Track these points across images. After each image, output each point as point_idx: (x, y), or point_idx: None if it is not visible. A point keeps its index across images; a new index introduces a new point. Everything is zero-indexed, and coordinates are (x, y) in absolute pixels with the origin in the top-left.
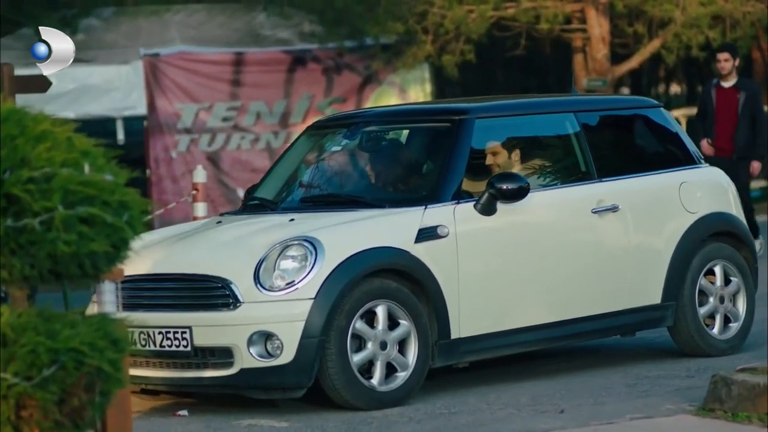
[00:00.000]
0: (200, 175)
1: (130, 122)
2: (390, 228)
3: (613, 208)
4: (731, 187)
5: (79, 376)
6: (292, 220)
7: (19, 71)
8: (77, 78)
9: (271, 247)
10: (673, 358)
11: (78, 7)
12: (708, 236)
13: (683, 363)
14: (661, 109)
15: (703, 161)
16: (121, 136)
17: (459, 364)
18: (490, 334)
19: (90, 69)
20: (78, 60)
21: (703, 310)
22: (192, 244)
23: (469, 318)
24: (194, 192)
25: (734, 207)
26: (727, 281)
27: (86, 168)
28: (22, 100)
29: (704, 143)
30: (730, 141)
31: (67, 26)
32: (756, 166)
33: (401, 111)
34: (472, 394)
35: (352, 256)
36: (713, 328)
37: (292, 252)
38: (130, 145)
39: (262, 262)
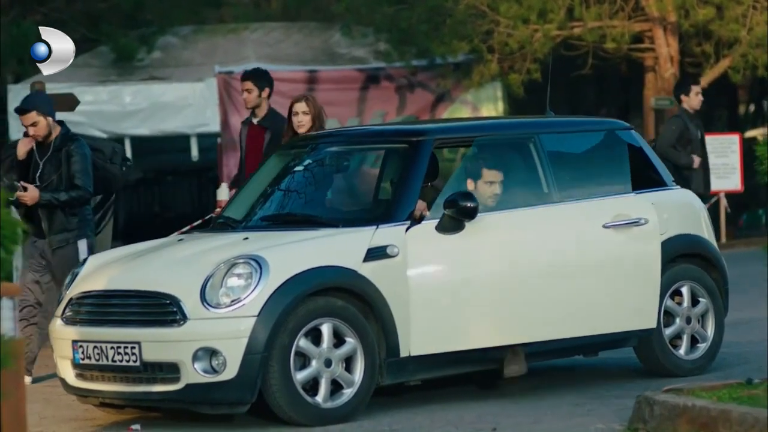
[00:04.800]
0: (223, 192)
1: (204, 139)
2: (339, 247)
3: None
4: (703, 210)
5: None
6: (246, 238)
7: (99, 88)
8: (152, 95)
9: (217, 265)
10: (641, 378)
11: (157, 24)
12: (676, 257)
13: (646, 383)
14: (632, 131)
15: (674, 183)
16: (194, 152)
17: (410, 381)
18: (441, 353)
19: (164, 86)
20: (153, 77)
21: (669, 331)
22: (147, 261)
23: (419, 337)
24: (218, 210)
25: (705, 229)
26: (695, 302)
27: None
28: (100, 118)
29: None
30: None
31: (144, 44)
32: None
33: (362, 132)
34: (421, 412)
35: (297, 274)
36: (680, 348)
37: (238, 270)
38: (203, 162)
39: (208, 279)
